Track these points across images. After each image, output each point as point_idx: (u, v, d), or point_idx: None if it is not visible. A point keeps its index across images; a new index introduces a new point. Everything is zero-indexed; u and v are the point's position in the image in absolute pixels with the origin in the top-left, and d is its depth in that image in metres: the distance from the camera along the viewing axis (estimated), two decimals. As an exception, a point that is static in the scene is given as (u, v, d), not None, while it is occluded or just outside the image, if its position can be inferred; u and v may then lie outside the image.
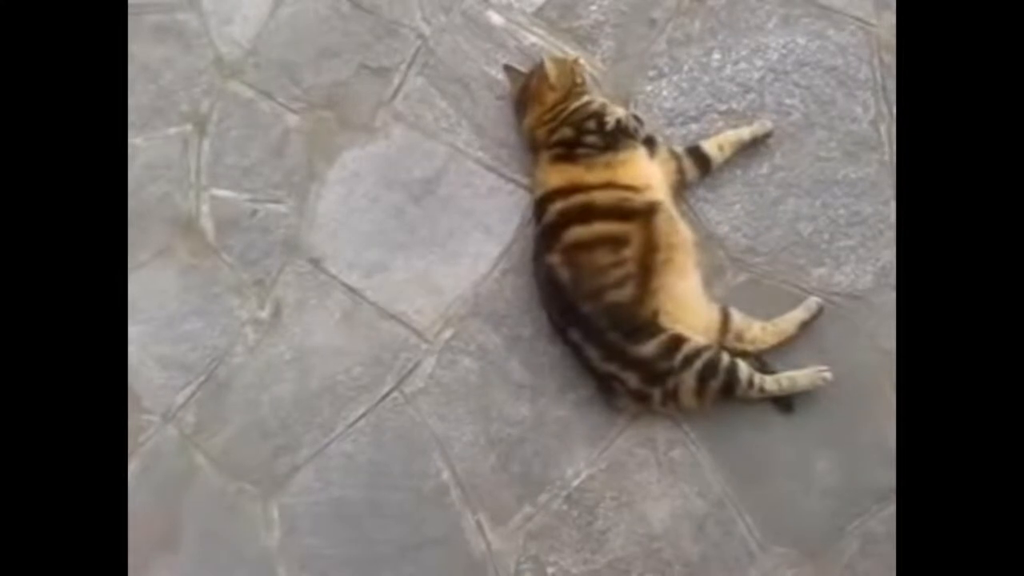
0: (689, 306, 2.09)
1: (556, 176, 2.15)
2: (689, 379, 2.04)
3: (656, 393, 2.07)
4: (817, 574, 2.07)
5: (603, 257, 2.08)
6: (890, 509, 2.06)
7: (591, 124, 2.14)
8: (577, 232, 2.10)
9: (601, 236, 2.09)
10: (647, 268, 2.07)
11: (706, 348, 2.05)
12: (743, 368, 2.05)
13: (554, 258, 2.11)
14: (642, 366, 2.06)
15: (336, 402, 2.21)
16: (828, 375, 2.07)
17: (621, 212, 2.09)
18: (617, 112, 2.15)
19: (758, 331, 2.10)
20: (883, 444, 2.06)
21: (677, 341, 2.04)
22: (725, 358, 2.05)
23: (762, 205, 2.19)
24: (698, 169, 2.18)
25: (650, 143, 2.17)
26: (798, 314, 2.11)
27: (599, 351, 2.08)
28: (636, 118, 2.15)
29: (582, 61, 2.21)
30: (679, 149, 2.18)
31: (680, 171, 2.17)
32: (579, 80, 2.19)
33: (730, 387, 2.05)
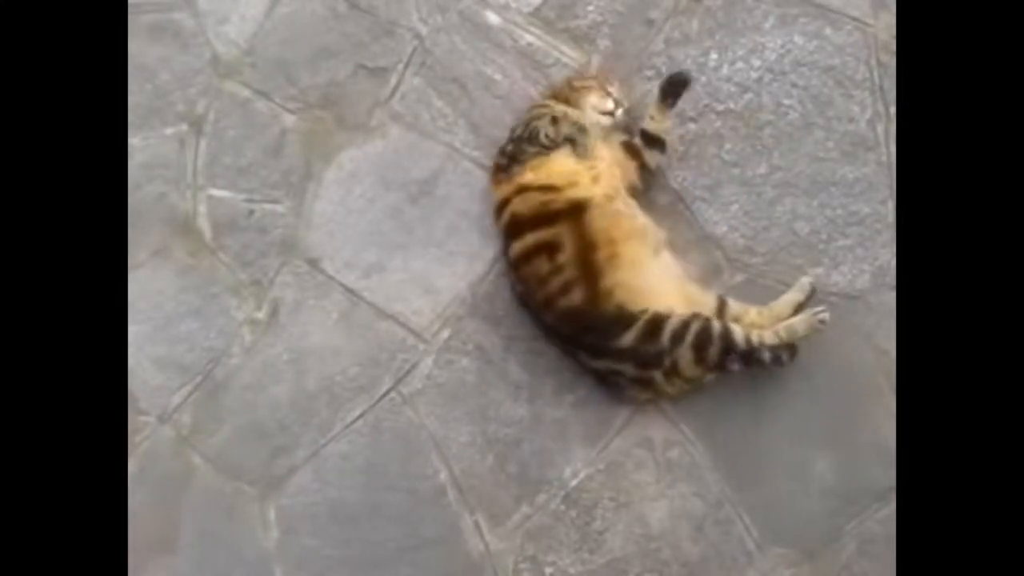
0: (658, 294, 2.07)
1: (496, 189, 2.18)
2: (686, 353, 2.03)
3: (657, 375, 2.06)
4: (815, 574, 2.08)
5: (541, 266, 2.08)
6: (888, 509, 2.06)
7: (518, 130, 2.16)
8: (516, 247, 2.11)
9: (535, 246, 2.08)
10: (589, 269, 2.05)
11: (694, 319, 2.03)
12: (737, 330, 2.03)
13: (512, 275, 2.14)
14: (631, 355, 2.05)
15: (333, 403, 2.21)
16: (826, 315, 2.04)
17: (545, 216, 2.08)
18: (541, 124, 2.13)
19: (755, 316, 2.10)
20: (881, 444, 2.06)
21: (656, 322, 2.03)
22: (716, 324, 2.03)
23: (759, 205, 2.19)
24: (655, 150, 2.15)
25: (573, 143, 2.14)
26: (792, 296, 2.11)
27: (584, 352, 2.09)
28: (554, 120, 2.12)
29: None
30: (638, 141, 2.15)
31: (642, 164, 2.15)
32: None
33: (729, 351, 2.03)
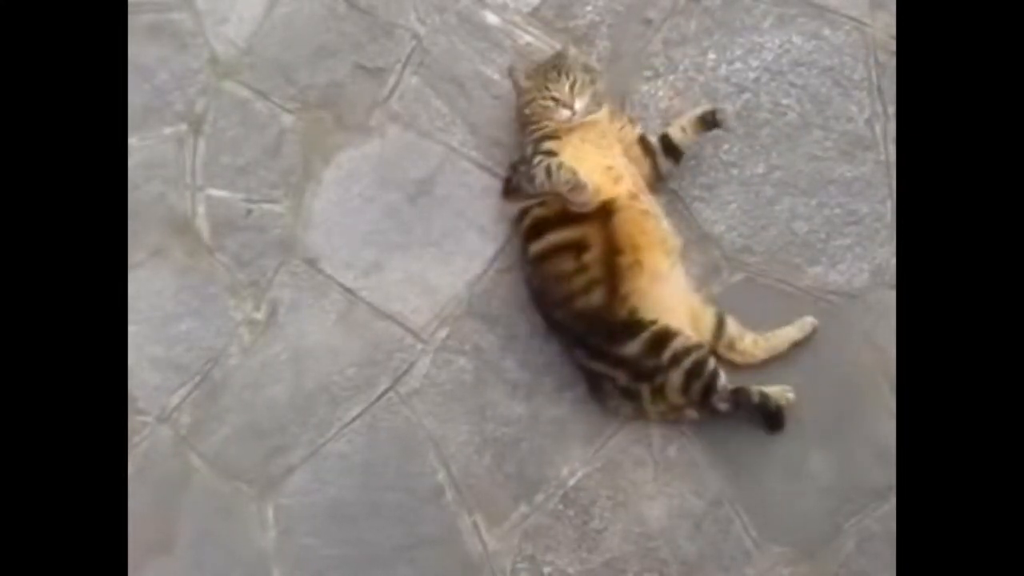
0: (669, 308, 2.07)
1: (511, 200, 2.18)
2: (676, 377, 2.04)
3: (645, 389, 2.07)
4: (813, 572, 2.08)
5: (566, 264, 2.08)
6: (887, 507, 2.06)
7: (522, 166, 2.13)
8: (536, 246, 2.11)
9: (559, 244, 2.08)
10: (612, 272, 2.06)
11: (696, 347, 2.05)
12: (723, 377, 2.05)
13: (527, 269, 2.14)
14: (629, 364, 2.06)
15: (331, 402, 2.21)
16: (792, 395, 2.07)
17: (571, 217, 2.07)
18: (537, 172, 2.07)
19: (750, 344, 2.11)
20: (879, 442, 2.07)
21: (663, 337, 2.04)
22: (711, 363, 2.05)
23: (758, 204, 2.19)
24: (670, 159, 2.15)
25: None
26: (792, 332, 2.12)
27: (585, 351, 2.10)
28: (548, 171, 2.05)
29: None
30: (654, 142, 2.15)
31: (655, 166, 2.15)
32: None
33: (709, 392, 2.04)
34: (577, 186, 2.02)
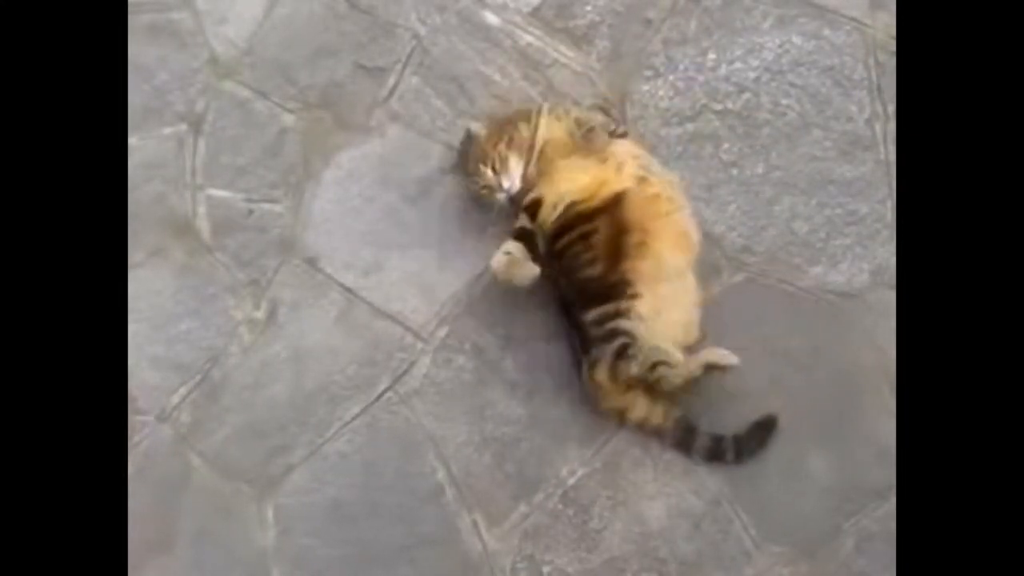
0: (663, 299, 2.06)
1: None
2: (609, 351, 2.03)
3: (585, 362, 2.07)
4: (813, 572, 2.08)
5: (576, 246, 2.09)
6: (886, 507, 2.06)
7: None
8: (562, 241, 2.11)
9: (574, 238, 2.10)
10: (616, 248, 2.06)
11: (641, 339, 2.02)
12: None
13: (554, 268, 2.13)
14: (582, 330, 2.07)
15: (331, 402, 2.21)
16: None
17: (585, 216, 2.09)
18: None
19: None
20: (879, 442, 2.07)
21: (617, 311, 2.03)
22: (644, 349, 2.02)
23: (758, 204, 2.20)
24: None
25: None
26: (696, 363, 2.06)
27: (567, 321, 2.12)
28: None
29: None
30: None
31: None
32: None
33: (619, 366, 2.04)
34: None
